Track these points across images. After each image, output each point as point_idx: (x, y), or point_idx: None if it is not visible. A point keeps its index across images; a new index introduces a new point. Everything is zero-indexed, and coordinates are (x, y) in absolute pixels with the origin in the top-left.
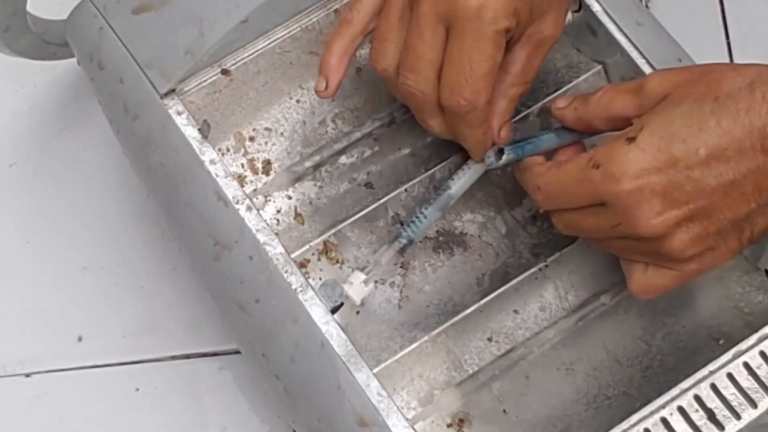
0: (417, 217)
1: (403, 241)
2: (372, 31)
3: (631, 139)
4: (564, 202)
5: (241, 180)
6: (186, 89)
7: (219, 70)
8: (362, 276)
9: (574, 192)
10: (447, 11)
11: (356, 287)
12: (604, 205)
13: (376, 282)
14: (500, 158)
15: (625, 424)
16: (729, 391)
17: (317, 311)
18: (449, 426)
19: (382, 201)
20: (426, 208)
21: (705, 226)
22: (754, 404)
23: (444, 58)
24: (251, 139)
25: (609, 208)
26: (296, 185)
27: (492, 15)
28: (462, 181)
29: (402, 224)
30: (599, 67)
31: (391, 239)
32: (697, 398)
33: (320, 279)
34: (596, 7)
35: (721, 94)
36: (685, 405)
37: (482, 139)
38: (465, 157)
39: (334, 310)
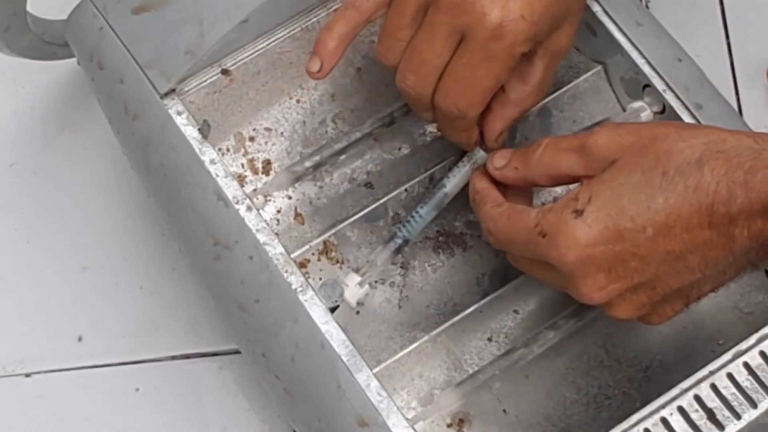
0: (412, 217)
1: (399, 241)
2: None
3: (579, 212)
4: (515, 251)
5: (241, 180)
6: (186, 89)
7: (219, 70)
8: (357, 278)
9: (522, 248)
10: (464, 24)
11: (351, 289)
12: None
13: (375, 282)
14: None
15: (625, 424)
16: (729, 391)
17: (317, 311)
18: (449, 426)
19: (382, 201)
20: (421, 208)
21: (649, 295)
22: (754, 404)
23: (448, 65)
24: (251, 139)
25: (556, 270)
26: (296, 185)
27: (512, 39)
28: (457, 178)
29: (399, 224)
30: (599, 67)
31: (386, 239)
32: (697, 398)
33: (320, 279)
34: (596, 7)
35: (669, 168)
36: (685, 405)
37: (465, 143)
38: (461, 155)
39: (331, 310)
